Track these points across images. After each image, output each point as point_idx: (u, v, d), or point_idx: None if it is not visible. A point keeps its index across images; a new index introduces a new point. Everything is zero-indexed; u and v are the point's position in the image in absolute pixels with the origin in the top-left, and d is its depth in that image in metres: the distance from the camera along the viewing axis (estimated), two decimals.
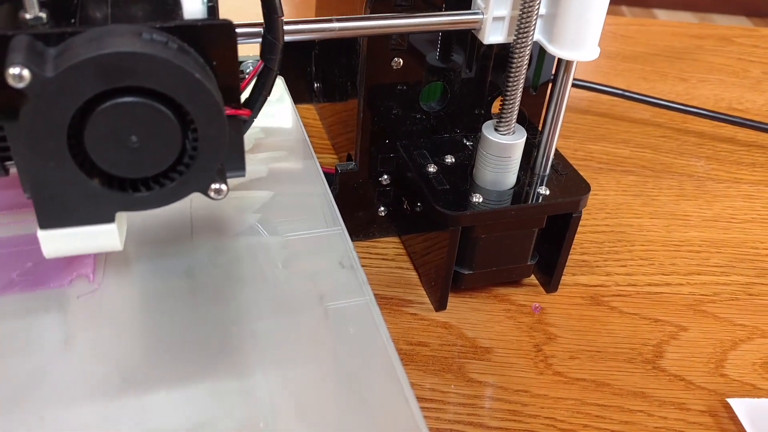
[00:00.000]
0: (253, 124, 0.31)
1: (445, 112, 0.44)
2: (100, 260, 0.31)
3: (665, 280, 0.47)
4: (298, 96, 0.54)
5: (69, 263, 0.30)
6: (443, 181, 0.41)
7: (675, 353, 0.42)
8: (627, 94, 0.62)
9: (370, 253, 0.47)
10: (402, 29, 0.37)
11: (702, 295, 0.46)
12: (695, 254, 0.49)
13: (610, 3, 0.36)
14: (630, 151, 0.60)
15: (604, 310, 0.44)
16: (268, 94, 0.30)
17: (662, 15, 2.15)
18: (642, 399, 0.39)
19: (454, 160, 0.42)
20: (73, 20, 0.25)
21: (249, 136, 0.41)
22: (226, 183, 0.27)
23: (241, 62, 0.49)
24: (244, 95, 0.29)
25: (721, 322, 0.44)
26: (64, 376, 0.26)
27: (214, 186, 0.26)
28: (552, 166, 0.42)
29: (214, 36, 0.25)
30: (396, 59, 0.41)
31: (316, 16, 0.56)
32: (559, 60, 0.39)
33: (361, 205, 0.46)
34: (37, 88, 0.22)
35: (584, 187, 0.41)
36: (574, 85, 0.44)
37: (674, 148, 0.61)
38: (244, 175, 0.28)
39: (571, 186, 0.41)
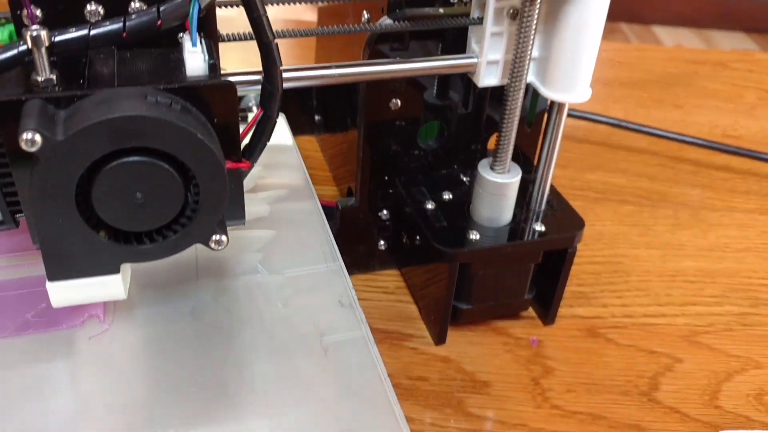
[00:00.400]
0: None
1: (442, 149, 0.45)
2: (110, 301, 0.32)
3: (661, 311, 0.48)
4: (299, 128, 0.55)
5: (80, 304, 0.31)
6: (441, 217, 0.42)
7: (670, 385, 0.42)
8: (623, 124, 0.63)
9: (371, 286, 0.48)
10: (400, 74, 0.39)
11: (697, 325, 0.47)
12: (690, 284, 0.50)
13: (609, 20, 0.37)
14: (627, 180, 0.61)
15: (601, 342, 0.45)
16: (268, 140, 0.31)
17: (661, 32, 2.16)
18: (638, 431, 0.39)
19: (451, 196, 0.43)
20: (81, 80, 0.27)
21: (250, 176, 0.42)
22: (226, 234, 0.28)
23: (242, 97, 0.51)
24: (245, 141, 0.30)
25: (716, 353, 0.45)
26: (73, 418, 0.27)
27: (215, 237, 0.28)
28: (547, 201, 0.43)
29: (216, 95, 0.26)
30: (394, 100, 0.42)
31: (316, 54, 0.57)
32: (551, 101, 0.40)
33: (362, 239, 0.47)
34: (48, 151, 0.23)
35: (579, 223, 0.42)
36: (570, 116, 0.45)
37: (670, 176, 0.62)
38: (243, 223, 0.30)
39: (566, 221, 0.42)
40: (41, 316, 0.31)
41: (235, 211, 0.29)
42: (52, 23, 0.28)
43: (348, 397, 0.29)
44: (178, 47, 0.29)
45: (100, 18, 0.29)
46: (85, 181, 0.25)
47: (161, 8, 0.26)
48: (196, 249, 0.36)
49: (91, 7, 0.28)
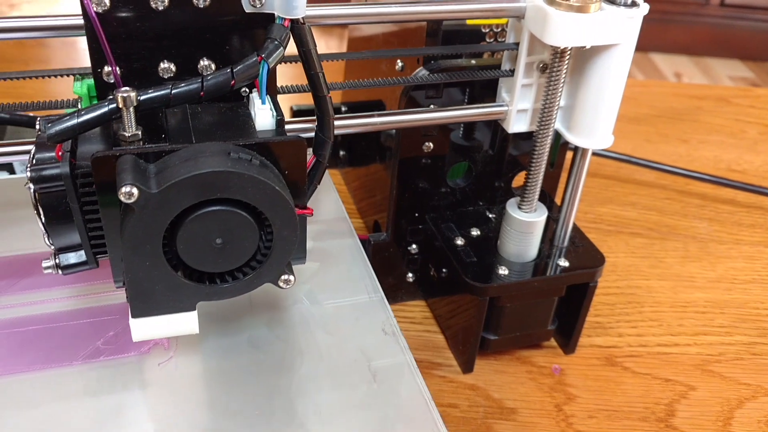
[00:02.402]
0: None
1: (469, 187, 0.48)
2: None
3: (673, 341, 0.50)
4: None
5: None
6: (471, 253, 0.44)
7: (685, 412, 0.45)
8: (631, 159, 0.66)
9: (399, 317, 0.50)
10: (436, 121, 0.41)
11: (708, 354, 0.49)
12: (701, 315, 0.53)
13: None
14: (637, 213, 0.64)
15: (618, 370, 0.48)
16: (318, 183, 0.33)
17: (659, 59, 2.21)
18: None
19: (479, 232, 0.46)
20: (163, 135, 0.29)
21: None
22: (293, 274, 0.30)
23: None
24: None
25: (727, 382, 0.47)
26: None
27: (283, 277, 0.30)
28: (569, 238, 0.46)
29: (288, 150, 0.29)
30: (427, 143, 0.45)
31: (344, 80, 0.60)
32: (576, 146, 0.43)
33: (391, 272, 0.50)
34: (143, 202, 0.26)
35: (600, 259, 0.45)
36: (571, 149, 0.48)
37: (678, 210, 0.65)
38: (304, 263, 0.32)
39: (588, 257, 0.45)
40: (110, 343, 0.34)
41: (298, 252, 0.31)
42: (128, 79, 0.31)
43: (398, 420, 0.31)
44: (242, 102, 0.32)
45: (172, 74, 0.32)
46: (170, 228, 0.27)
47: (235, 69, 0.29)
48: None
49: (164, 65, 0.31)
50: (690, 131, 0.78)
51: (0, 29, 0.32)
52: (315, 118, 0.32)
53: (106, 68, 0.31)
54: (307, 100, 0.67)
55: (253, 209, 0.28)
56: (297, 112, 0.62)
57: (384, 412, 0.32)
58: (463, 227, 0.46)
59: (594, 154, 0.67)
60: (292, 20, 0.29)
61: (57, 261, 0.30)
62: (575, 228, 0.47)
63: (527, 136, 0.47)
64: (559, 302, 0.47)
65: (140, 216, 0.26)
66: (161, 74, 0.31)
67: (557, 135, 0.48)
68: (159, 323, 0.30)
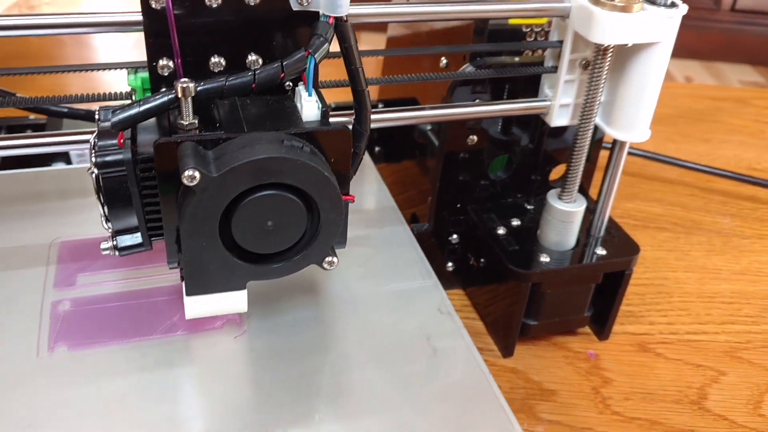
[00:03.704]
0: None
1: (509, 179, 0.50)
2: None
3: (702, 329, 0.52)
4: None
5: None
6: (512, 242, 0.46)
7: (717, 395, 0.47)
8: (657, 156, 0.68)
9: None
10: (482, 115, 0.44)
11: (737, 342, 0.51)
12: (728, 305, 0.55)
13: None
14: (662, 208, 0.66)
15: (651, 356, 0.50)
16: (354, 174, 0.35)
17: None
18: None
19: (519, 222, 0.48)
20: (217, 124, 0.31)
21: None
22: (336, 256, 0.32)
23: None
24: None
25: (756, 368, 0.49)
26: (228, 404, 0.32)
27: (327, 259, 0.32)
28: (605, 228, 0.48)
29: (334, 139, 0.30)
30: (471, 137, 0.47)
31: (382, 75, 0.63)
32: (614, 139, 0.45)
33: (431, 261, 0.52)
34: (203, 185, 0.28)
35: (635, 248, 0.47)
36: (606, 148, 0.50)
37: (702, 206, 0.67)
38: (344, 247, 0.34)
39: (623, 247, 0.47)
40: (185, 319, 0.36)
41: (340, 237, 0.33)
42: (183, 72, 0.33)
43: (459, 392, 0.34)
44: (287, 95, 0.34)
45: (222, 68, 0.33)
46: (226, 210, 0.29)
47: (285, 63, 0.31)
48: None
49: (214, 59, 0.33)
50: (711, 131, 0.80)
51: (56, 25, 0.34)
52: (352, 111, 0.34)
53: (161, 62, 0.32)
54: (341, 96, 0.69)
55: (302, 194, 0.30)
56: (335, 108, 0.65)
57: (445, 385, 0.34)
58: (503, 217, 0.49)
59: (607, 148, 0.69)
60: (336, 18, 0.31)
61: (114, 243, 0.32)
62: (610, 219, 0.49)
63: (563, 132, 0.49)
64: (594, 290, 0.49)
65: (200, 198, 0.28)
66: (212, 68, 0.33)
67: (594, 132, 0.50)
68: (211, 301, 0.31)
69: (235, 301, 0.32)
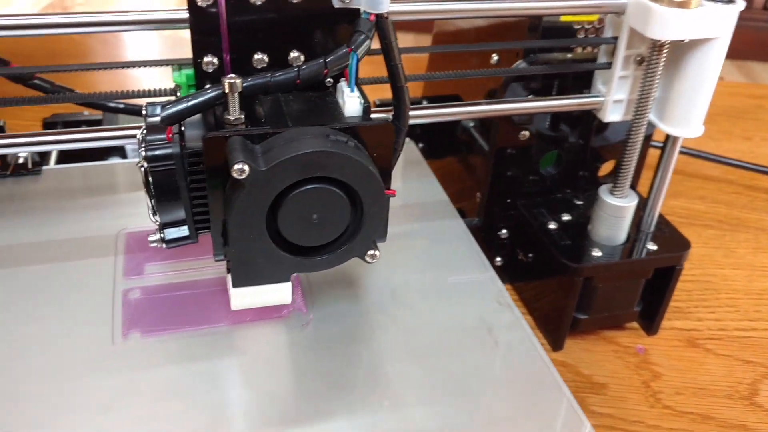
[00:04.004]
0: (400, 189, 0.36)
1: (558, 175, 0.51)
2: (307, 295, 0.38)
3: (752, 326, 0.52)
4: None
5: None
6: (564, 236, 0.47)
7: None
8: (701, 154, 0.68)
9: None
10: (536, 110, 0.44)
11: None
12: None
13: None
14: (706, 206, 0.66)
15: (701, 351, 0.50)
16: (392, 169, 0.34)
17: None
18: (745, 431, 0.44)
19: (570, 217, 0.49)
20: (262, 120, 0.32)
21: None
22: (378, 249, 0.33)
23: None
24: None
25: None
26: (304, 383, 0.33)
27: (370, 252, 0.33)
28: (656, 224, 0.48)
29: (378, 133, 0.31)
30: (523, 132, 0.47)
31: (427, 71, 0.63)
32: (667, 135, 0.45)
33: None
34: (251, 178, 0.28)
35: (685, 243, 0.47)
36: (654, 146, 0.50)
37: (746, 203, 0.67)
38: (384, 241, 0.34)
39: (674, 242, 0.47)
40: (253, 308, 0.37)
41: (381, 231, 0.33)
42: (225, 69, 0.33)
43: (523, 381, 0.34)
44: (329, 90, 0.34)
45: (265, 65, 0.34)
46: (273, 204, 0.30)
47: (327, 59, 0.31)
48: None
49: (258, 56, 0.34)
50: (752, 129, 0.79)
51: (101, 23, 0.35)
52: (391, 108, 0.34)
53: (206, 59, 0.33)
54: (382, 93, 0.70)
55: (346, 187, 0.30)
56: (380, 105, 0.65)
57: (510, 374, 0.35)
58: (553, 213, 0.49)
59: (654, 147, 0.69)
60: (377, 15, 0.31)
61: (162, 235, 0.32)
62: (660, 215, 0.49)
63: (611, 128, 0.50)
64: (643, 286, 0.49)
65: (249, 191, 0.29)
66: (255, 65, 0.34)
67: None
68: (256, 293, 0.32)
69: (279, 293, 0.33)
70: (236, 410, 0.32)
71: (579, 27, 0.46)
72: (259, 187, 0.29)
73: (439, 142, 0.62)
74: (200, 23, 0.32)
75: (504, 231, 0.52)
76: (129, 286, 0.38)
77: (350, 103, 0.32)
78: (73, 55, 0.86)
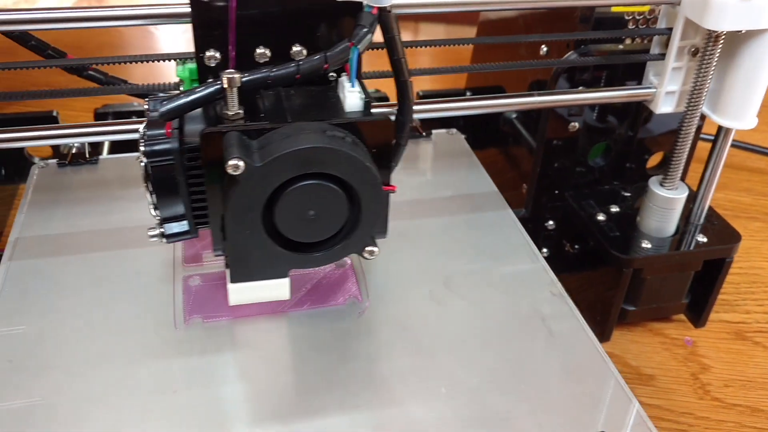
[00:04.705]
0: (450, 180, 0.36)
1: (606, 167, 0.51)
2: (362, 284, 0.39)
3: None
4: None
5: (340, 288, 0.38)
6: (613, 228, 0.47)
7: None
8: (744, 145, 0.68)
9: None
10: (587, 102, 0.44)
11: None
12: None
13: None
14: (752, 198, 0.65)
15: (749, 344, 0.50)
16: (396, 164, 0.35)
17: None
18: None
19: (618, 209, 0.49)
20: (262, 114, 0.31)
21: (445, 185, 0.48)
22: (376, 245, 0.33)
23: None
24: None
25: None
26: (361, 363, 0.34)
27: (368, 248, 0.32)
28: (705, 216, 0.48)
29: (376, 129, 0.31)
30: (573, 123, 0.47)
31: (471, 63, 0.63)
32: (719, 127, 0.45)
33: None
34: (247, 174, 0.28)
35: (736, 236, 0.47)
36: (703, 139, 0.50)
37: None
38: (385, 237, 0.34)
39: (724, 234, 0.47)
40: (311, 295, 0.38)
41: (381, 227, 0.33)
42: (227, 63, 0.33)
43: (578, 371, 0.35)
44: (330, 85, 0.34)
45: (267, 59, 0.34)
46: (270, 199, 0.30)
47: (328, 53, 0.31)
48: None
49: (260, 50, 0.33)
50: None
51: (105, 17, 0.35)
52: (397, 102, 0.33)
53: (208, 53, 0.33)
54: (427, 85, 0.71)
55: (344, 184, 0.30)
56: (423, 96, 0.66)
57: (565, 363, 0.35)
58: (602, 204, 0.49)
59: (705, 140, 0.68)
60: (380, 8, 0.31)
61: (162, 230, 0.32)
62: (710, 207, 0.49)
63: (660, 120, 0.50)
64: (692, 278, 0.49)
65: (244, 187, 0.29)
66: (257, 59, 0.33)
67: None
68: (254, 288, 0.32)
69: (277, 289, 0.33)
70: (295, 394, 0.33)
71: (630, 18, 0.46)
72: (254, 182, 0.29)
73: (481, 134, 0.62)
74: (202, 18, 0.32)
75: (551, 222, 0.52)
76: (189, 273, 0.39)
77: (350, 98, 0.32)
78: (119, 47, 0.88)
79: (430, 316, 0.37)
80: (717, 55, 0.41)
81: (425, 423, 0.32)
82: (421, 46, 0.40)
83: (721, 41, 0.40)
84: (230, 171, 0.28)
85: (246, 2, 0.32)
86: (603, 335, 0.48)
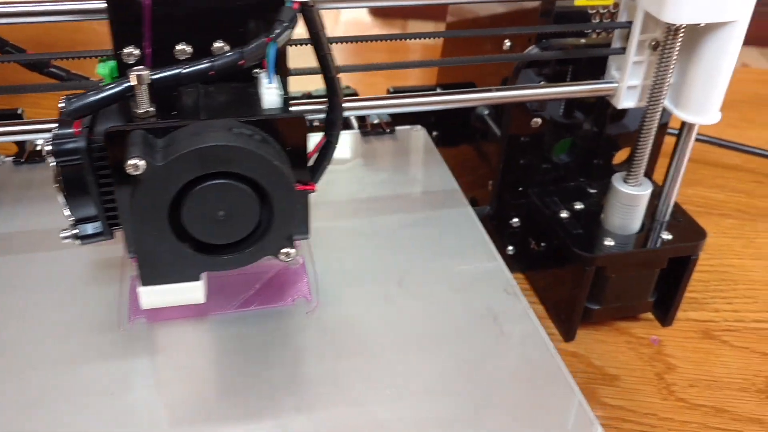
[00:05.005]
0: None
1: (571, 163, 0.50)
2: (312, 283, 0.38)
3: None
4: None
5: (290, 287, 0.37)
6: (576, 225, 0.46)
7: None
8: (720, 142, 0.67)
9: None
10: (548, 97, 0.43)
11: None
12: None
13: None
14: (725, 195, 0.64)
15: (716, 343, 0.49)
16: (329, 163, 0.34)
17: None
18: (759, 425, 0.43)
19: (582, 206, 0.48)
20: (174, 112, 0.30)
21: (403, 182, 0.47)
22: (294, 247, 0.32)
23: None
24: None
25: None
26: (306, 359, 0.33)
27: (284, 250, 0.32)
28: (671, 213, 0.47)
29: (289, 126, 0.30)
30: (535, 120, 0.47)
31: (442, 52, 0.63)
32: (683, 122, 0.44)
33: None
34: (148, 174, 0.27)
35: (701, 233, 0.47)
36: (670, 134, 0.49)
37: (767, 193, 0.65)
38: (308, 238, 0.33)
39: (689, 231, 0.46)
40: (260, 294, 0.37)
41: (301, 227, 0.33)
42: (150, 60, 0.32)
43: (527, 368, 0.34)
44: (253, 82, 0.33)
45: (188, 56, 0.33)
46: (176, 200, 0.29)
47: (244, 50, 0.30)
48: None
49: (180, 46, 0.32)
50: None
51: (20, 13, 0.33)
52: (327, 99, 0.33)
53: (126, 50, 0.32)
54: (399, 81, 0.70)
55: (256, 183, 0.29)
56: (394, 92, 0.65)
57: (514, 363, 0.34)
58: (566, 201, 0.48)
59: (671, 134, 0.68)
60: (301, 3, 0.30)
61: (76, 231, 0.31)
62: (676, 204, 0.48)
63: (626, 116, 0.49)
64: (658, 276, 0.48)
65: (147, 187, 0.28)
66: (177, 56, 0.32)
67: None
68: (167, 292, 0.31)
69: (191, 292, 0.32)
70: (233, 394, 0.32)
71: (594, 11, 0.45)
72: (157, 182, 0.28)
73: (453, 130, 0.61)
74: (118, 13, 0.31)
75: (515, 219, 0.51)
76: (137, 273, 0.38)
77: (268, 95, 0.31)
78: (83, 43, 0.87)
79: (381, 315, 0.36)
80: (677, 49, 0.40)
81: (365, 427, 0.31)
82: (364, 41, 0.39)
83: (681, 35, 0.40)
84: (130, 171, 0.27)
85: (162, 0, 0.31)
86: (568, 334, 0.48)
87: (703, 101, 0.42)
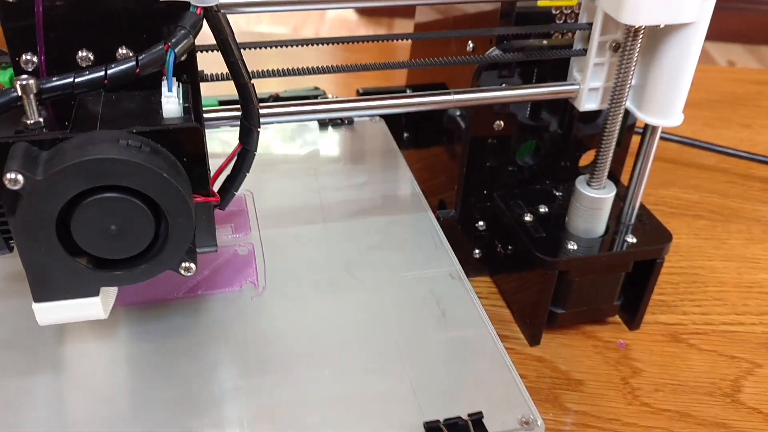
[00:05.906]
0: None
1: (537, 166, 0.49)
2: (261, 269, 0.39)
3: (739, 320, 0.51)
4: None
5: (239, 272, 0.38)
6: (540, 229, 0.46)
7: (752, 388, 0.46)
8: (694, 142, 0.67)
9: None
10: (509, 99, 0.43)
11: None
12: (766, 295, 0.53)
13: None
14: (699, 196, 0.64)
15: (683, 347, 0.48)
16: (247, 171, 0.33)
17: (712, 48, 2.17)
18: (725, 429, 0.43)
19: (547, 209, 0.47)
20: (67, 122, 0.29)
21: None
22: (195, 262, 0.31)
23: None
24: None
25: None
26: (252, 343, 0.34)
27: (184, 264, 0.30)
28: (636, 216, 0.47)
29: (185, 137, 0.29)
30: (498, 122, 0.46)
31: (411, 53, 0.62)
32: (646, 124, 0.43)
33: (458, 248, 0.51)
34: (29, 189, 0.26)
35: (667, 236, 0.46)
36: (639, 133, 0.49)
37: (741, 193, 0.65)
38: (215, 250, 0.32)
39: (655, 234, 0.46)
40: (208, 279, 0.37)
41: (207, 239, 0.32)
42: (48, 68, 0.30)
43: (463, 349, 0.35)
44: (158, 90, 0.31)
45: (90, 63, 0.31)
46: (66, 214, 0.28)
47: (140, 57, 0.29)
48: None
49: (81, 53, 0.31)
50: (752, 116, 0.77)
51: None
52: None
53: (24, 57, 0.30)
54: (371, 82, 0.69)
55: (149, 197, 0.28)
56: (362, 94, 0.64)
57: (452, 344, 0.36)
58: (531, 204, 0.48)
59: (638, 133, 0.67)
60: (205, 8, 0.29)
61: None
62: (641, 206, 0.48)
63: (594, 117, 0.48)
64: (625, 279, 0.48)
65: (28, 202, 0.26)
66: (79, 63, 0.31)
67: (624, 116, 0.49)
68: (63, 308, 0.30)
69: (90, 308, 0.31)
70: (186, 382, 0.33)
71: (557, 12, 0.45)
72: (38, 197, 0.26)
73: (425, 132, 0.60)
74: (11, 20, 0.30)
75: (481, 223, 0.50)
76: None
77: (168, 104, 0.30)
78: None
79: (325, 300, 0.37)
80: (637, 50, 0.39)
81: (305, 406, 0.31)
82: (311, 45, 0.38)
83: (641, 36, 0.39)
84: (9, 186, 0.26)
85: (56, 3, 0.29)
86: (533, 339, 0.47)
87: (665, 103, 0.41)
